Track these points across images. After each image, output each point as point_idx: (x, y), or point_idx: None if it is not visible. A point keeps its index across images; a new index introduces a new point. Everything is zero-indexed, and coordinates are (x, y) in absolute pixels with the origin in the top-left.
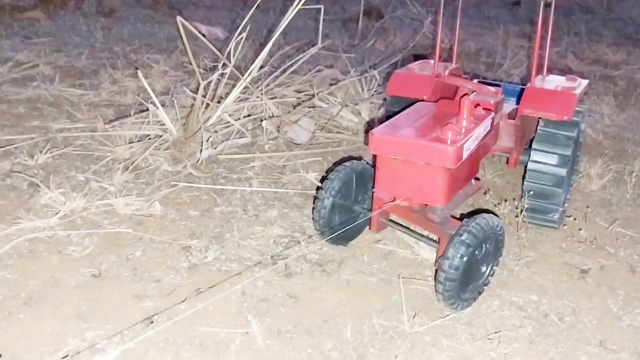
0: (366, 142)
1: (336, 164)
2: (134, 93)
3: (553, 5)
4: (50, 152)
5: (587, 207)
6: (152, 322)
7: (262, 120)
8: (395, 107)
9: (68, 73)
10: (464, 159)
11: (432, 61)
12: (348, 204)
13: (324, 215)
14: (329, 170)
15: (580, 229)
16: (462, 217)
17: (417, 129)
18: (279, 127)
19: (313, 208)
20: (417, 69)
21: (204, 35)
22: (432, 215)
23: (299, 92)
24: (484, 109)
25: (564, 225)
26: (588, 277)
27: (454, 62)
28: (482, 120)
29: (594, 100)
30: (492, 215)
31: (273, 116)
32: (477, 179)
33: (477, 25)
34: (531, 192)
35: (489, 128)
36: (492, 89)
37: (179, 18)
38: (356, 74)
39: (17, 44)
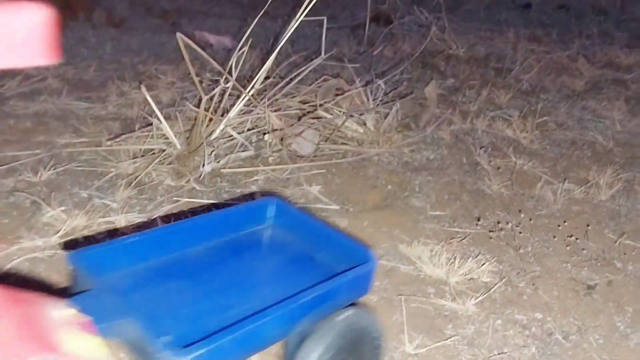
0: None
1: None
2: (140, 106)
3: None
4: (55, 169)
5: (595, 219)
6: None
7: (264, 134)
8: None
9: (76, 86)
10: None
11: None
12: None
13: None
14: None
15: (587, 242)
16: None
17: None
18: (282, 139)
19: None
20: None
21: (211, 45)
22: None
23: (304, 102)
24: None
25: (569, 236)
26: (595, 293)
27: None
28: None
29: (605, 106)
30: None
31: (276, 129)
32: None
33: (487, 29)
34: None
35: None
36: None
37: (178, 34)
38: (361, 83)
39: None
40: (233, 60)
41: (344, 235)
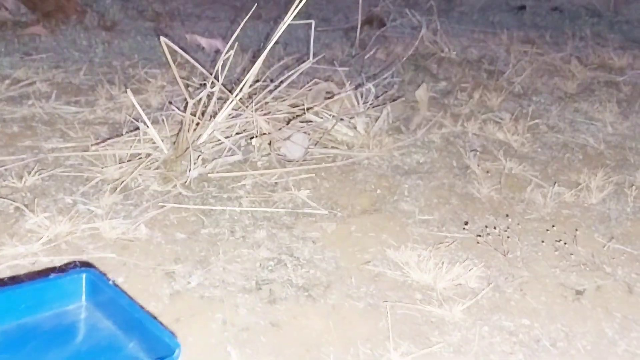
0: None
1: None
2: (128, 110)
3: None
4: (40, 174)
5: (585, 222)
6: None
7: (251, 138)
8: None
9: (65, 90)
10: None
11: None
12: None
13: None
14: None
15: (576, 247)
16: None
17: None
18: (270, 143)
19: None
20: None
21: (203, 48)
22: None
23: (294, 106)
24: None
25: (558, 241)
26: (583, 298)
27: None
28: None
29: (597, 108)
30: None
31: (264, 133)
32: None
33: (480, 31)
34: None
35: None
36: None
37: (162, 38)
38: (352, 86)
39: (17, 61)
40: (219, 64)
41: (151, 321)
